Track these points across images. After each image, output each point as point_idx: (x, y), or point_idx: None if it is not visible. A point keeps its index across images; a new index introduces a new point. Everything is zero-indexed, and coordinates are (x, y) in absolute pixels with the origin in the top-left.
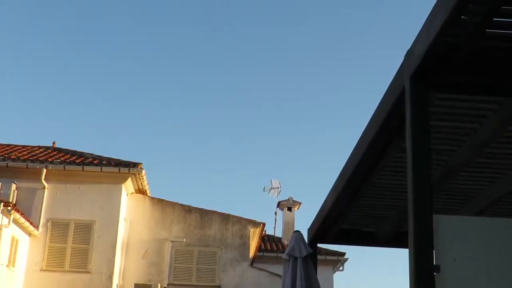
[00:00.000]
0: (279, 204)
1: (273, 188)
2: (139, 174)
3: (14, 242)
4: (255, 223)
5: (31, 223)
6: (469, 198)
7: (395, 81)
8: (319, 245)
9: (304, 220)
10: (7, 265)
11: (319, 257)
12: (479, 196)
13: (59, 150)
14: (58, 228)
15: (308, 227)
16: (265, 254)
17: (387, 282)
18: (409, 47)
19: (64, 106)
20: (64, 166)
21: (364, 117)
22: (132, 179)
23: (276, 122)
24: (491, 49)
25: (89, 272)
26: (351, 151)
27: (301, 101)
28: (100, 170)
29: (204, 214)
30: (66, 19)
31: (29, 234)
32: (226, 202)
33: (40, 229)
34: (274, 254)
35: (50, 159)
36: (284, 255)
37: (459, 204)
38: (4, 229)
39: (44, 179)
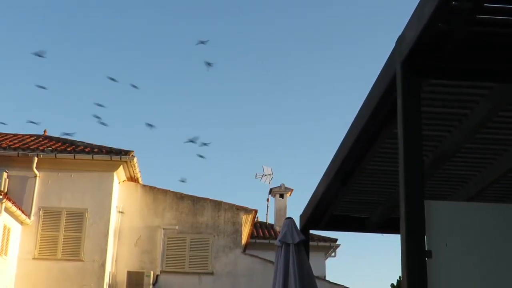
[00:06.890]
0: (271, 191)
1: (265, 175)
2: (130, 162)
3: (6, 231)
4: (247, 210)
5: (23, 212)
6: (460, 184)
7: (386, 67)
8: (311, 231)
9: (296, 207)
10: (0, 254)
11: (311, 243)
12: (470, 181)
13: (50, 138)
14: (50, 216)
15: (300, 213)
16: (258, 241)
17: (379, 267)
18: (400, 33)
19: (54, 94)
20: (56, 154)
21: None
22: (123, 167)
23: (268, 110)
24: (482, 35)
25: (82, 260)
26: (343, 137)
27: (293, 89)
28: (91, 158)
29: (196, 201)
30: (57, 6)
31: (21, 222)
32: (218, 189)
33: (32, 217)
34: (267, 241)
35: (41, 148)
36: (276, 242)
37: (450, 190)
38: None
39: (36, 168)
